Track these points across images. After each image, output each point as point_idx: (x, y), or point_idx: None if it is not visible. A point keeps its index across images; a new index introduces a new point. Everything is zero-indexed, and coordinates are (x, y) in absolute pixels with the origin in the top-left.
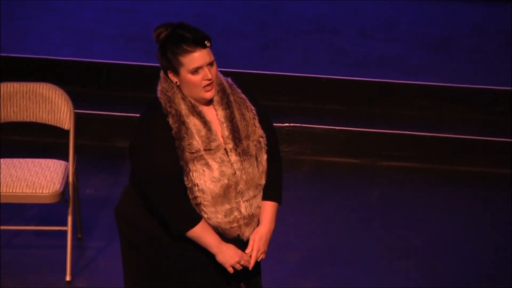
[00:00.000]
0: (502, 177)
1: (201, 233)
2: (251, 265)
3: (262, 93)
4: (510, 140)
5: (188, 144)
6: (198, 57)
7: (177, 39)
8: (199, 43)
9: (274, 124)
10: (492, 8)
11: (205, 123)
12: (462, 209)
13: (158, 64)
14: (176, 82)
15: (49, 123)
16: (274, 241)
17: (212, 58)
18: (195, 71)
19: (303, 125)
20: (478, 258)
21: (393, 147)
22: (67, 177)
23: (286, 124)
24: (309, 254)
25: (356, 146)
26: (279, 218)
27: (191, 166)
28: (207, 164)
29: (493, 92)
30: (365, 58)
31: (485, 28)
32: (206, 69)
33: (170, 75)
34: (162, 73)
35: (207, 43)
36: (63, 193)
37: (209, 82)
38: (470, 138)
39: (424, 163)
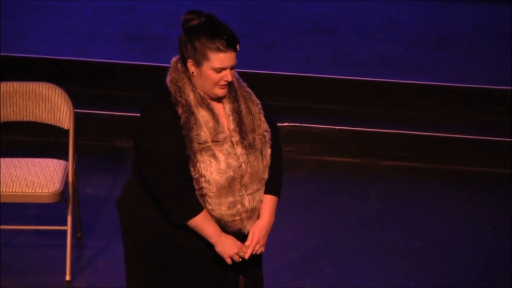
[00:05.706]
0: (502, 177)
1: (202, 222)
2: (247, 255)
3: (262, 93)
4: (510, 140)
5: (197, 135)
6: (227, 58)
7: (212, 34)
8: (231, 46)
9: None
10: (492, 8)
11: (213, 115)
12: (462, 209)
13: (157, 64)
14: (193, 72)
15: (49, 123)
16: (274, 240)
17: (236, 63)
18: (219, 70)
19: (302, 124)
20: (477, 258)
21: (393, 147)
22: (67, 177)
23: (286, 124)
24: (309, 254)
25: (356, 146)
26: (279, 218)
27: (198, 156)
28: (214, 156)
29: (493, 92)
30: (365, 58)
31: (485, 28)
32: (228, 71)
33: (189, 64)
34: (173, 62)
35: (238, 47)
36: (63, 192)
37: (226, 83)
38: (470, 138)
39: (424, 163)
